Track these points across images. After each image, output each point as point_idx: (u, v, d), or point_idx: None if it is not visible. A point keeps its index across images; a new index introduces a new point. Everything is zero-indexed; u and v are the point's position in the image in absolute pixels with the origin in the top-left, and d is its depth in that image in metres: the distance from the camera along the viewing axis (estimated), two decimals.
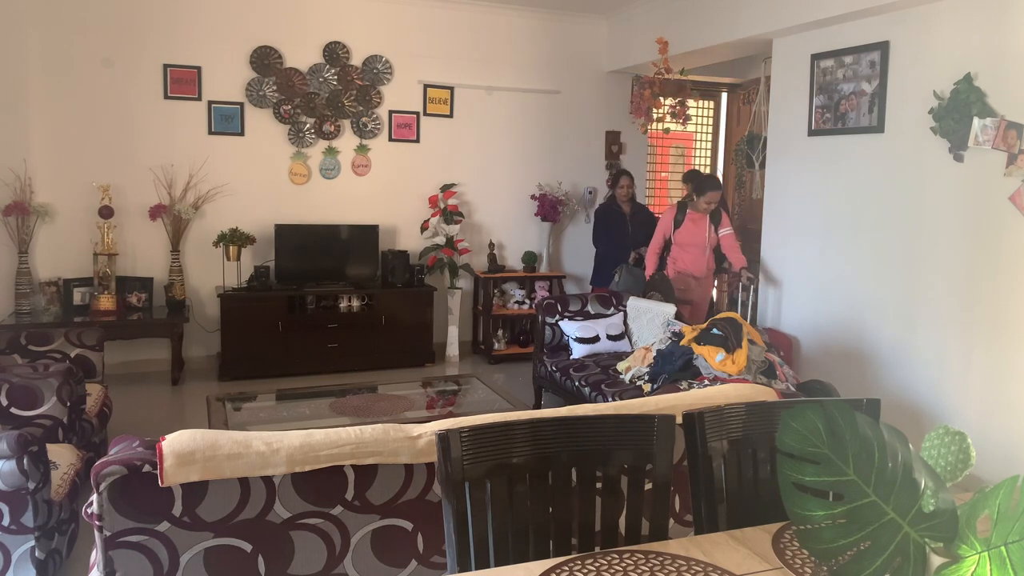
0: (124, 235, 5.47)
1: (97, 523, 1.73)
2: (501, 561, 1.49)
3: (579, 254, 6.82)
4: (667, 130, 5.79)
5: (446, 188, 6.21)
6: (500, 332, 6.31)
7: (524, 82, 6.46)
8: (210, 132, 5.64)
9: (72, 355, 3.86)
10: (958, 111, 3.87)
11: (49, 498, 2.52)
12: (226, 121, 5.67)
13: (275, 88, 5.74)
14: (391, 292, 5.86)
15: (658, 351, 4.14)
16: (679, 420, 1.67)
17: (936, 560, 1.07)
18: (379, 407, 3.90)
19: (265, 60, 5.70)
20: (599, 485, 1.61)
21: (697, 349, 3.88)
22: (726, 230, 5.18)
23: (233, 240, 5.49)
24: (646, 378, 4.07)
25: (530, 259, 6.46)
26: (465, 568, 1.47)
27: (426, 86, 6.17)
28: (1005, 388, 3.77)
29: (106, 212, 5.24)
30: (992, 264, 3.80)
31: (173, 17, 5.46)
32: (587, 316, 4.98)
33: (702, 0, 5.45)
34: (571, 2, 6.19)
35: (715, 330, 3.87)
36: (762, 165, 5.70)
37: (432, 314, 5.98)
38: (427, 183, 6.23)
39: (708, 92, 7.42)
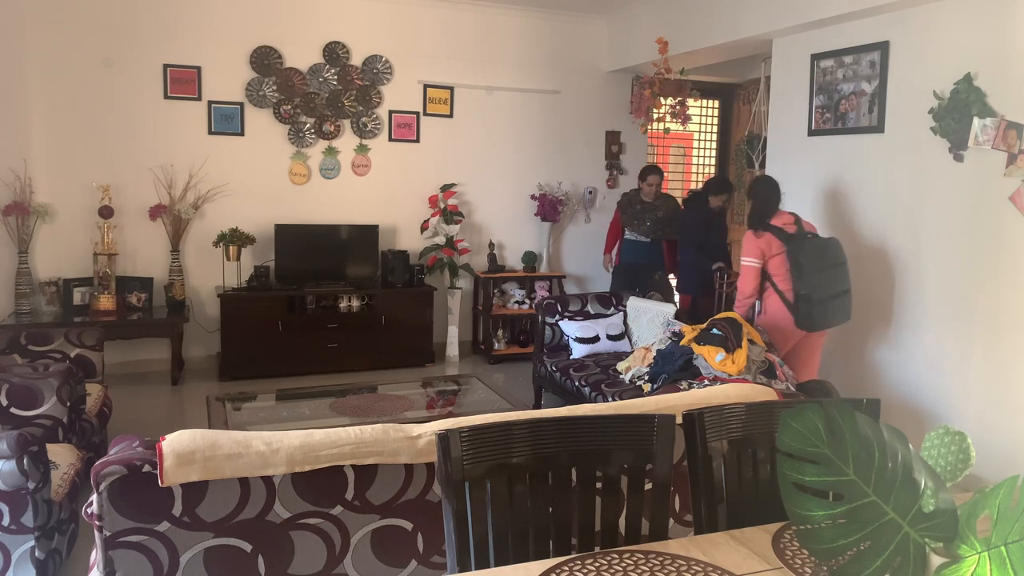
0: (124, 235, 5.47)
1: (97, 523, 1.73)
2: (501, 561, 1.49)
3: (579, 254, 6.82)
4: (667, 130, 5.79)
5: (446, 188, 6.21)
6: (500, 332, 6.31)
7: (524, 82, 6.46)
8: (210, 132, 5.64)
9: (72, 355, 3.86)
10: (958, 111, 3.87)
11: (49, 498, 2.52)
12: (226, 121, 5.67)
13: (275, 88, 5.74)
14: (391, 292, 5.86)
15: (658, 351, 4.14)
16: (679, 420, 1.67)
17: (936, 560, 1.07)
18: (379, 407, 3.90)
19: (265, 60, 5.70)
20: (599, 485, 1.61)
21: (697, 349, 3.88)
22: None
23: (233, 240, 5.49)
24: (646, 378, 4.07)
25: (530, 259, 6.46)
26: (465, 568, 1.47)
27: (426, 86, 6.17)
28: (1005, 388, 3.77)
29: (106, 212, 5.24)
30: (992, 264, 3.80)
31: (173, 17, 5.46)
32: (587, 316, 4.98)
33: (702, 0, 5.45)
34: (571, 2, 6.19)
35: (715, 330, 3.87)
36: (762, 165, 5.70)
37: (432, 314, 5.98)
38: (427, 183, 6.23)
39: (709, 92, 7.41)
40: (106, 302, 5.18)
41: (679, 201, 6.08)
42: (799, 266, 3.95)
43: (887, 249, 4.37)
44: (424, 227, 6.21)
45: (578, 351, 4.79)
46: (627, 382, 4.17)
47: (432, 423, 2.07)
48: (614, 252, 6.11)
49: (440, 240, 6.13)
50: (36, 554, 2.45)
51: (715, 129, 7.78)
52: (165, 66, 5.48)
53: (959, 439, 1.19)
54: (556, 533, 1.57)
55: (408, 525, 1.97)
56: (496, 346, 6.24)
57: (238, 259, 5.55)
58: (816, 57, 4.77)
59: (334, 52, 5.87)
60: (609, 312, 5.03)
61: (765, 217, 4.12)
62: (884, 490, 1.08)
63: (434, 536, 2.00)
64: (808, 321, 3.99)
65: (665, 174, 6.10)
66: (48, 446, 2.63)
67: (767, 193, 4.19)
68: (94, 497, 1.74)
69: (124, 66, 5.38)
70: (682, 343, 3.99)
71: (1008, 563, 0.99)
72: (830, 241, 4.13)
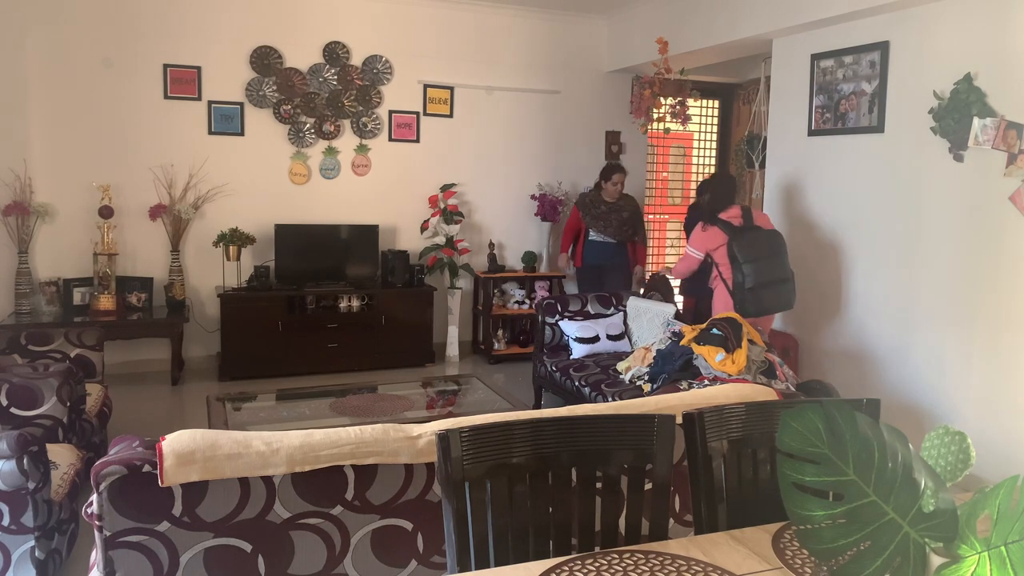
0: (124, 235, 5.47)
1: (97, 523, 1.73)
2: (501, 561, 1.49)
3: None
4: (667, 130, 5.78)
5: (446, 188, 6.21)
6: (500, 332, 6.31)
7: (524, 82, 6.46)
8: (210, 132, 5.64)
9: (72, 355, 3.86)
10: (958, 111, 3.87)
11: (49, 498, 2.52)
12: (226, 121, 5.67)
13: (275, 88, 5.74)
14: (391, 292, 5.86)
15: (658, 351, 4.14)
16: (679, 420, 1.67)
17: (936, 560, 1.07)
18: (379, 407, 3.90)
19: (265, 60, 5.70)
20: (599, 485, 1.61)
21: (697, 349, 3.88)
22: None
23: (233, 240, 5.49)
24: (646, 378, 4.07)
25: (530, 259, 6.46)
26: (465, 568, 1.47)
27: (426, 86, 6.17)
28: (1005, 388, 3.77)
29: (106, 212, 5.24)
30: (992, 264, 3.80)
31: (173, 17, 5.46)
32: (587, 316, 4.98)
33: (702, 0, 5.46)
34: (571, 2, 6.19)
35: (715, 330, 3.87)
36: (762, 165, 5.70)
37: (432, 314, 5.98)
38: (427, 183, 6.23)
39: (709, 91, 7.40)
40: (106, 302, 5.18)
41: (637, 202, 6.09)
42: (733, 256, 4.28)
43: (887, 249, 4.37)
44: (424, 227, 6.21)
45: (578, 351, 4.78)
46: (627, 382, 4.17)
47: (432, 423, 2.07)
48: (571, 252, 6.06)
49: (440, 240, 6.13)
50: (36, 554, 2.45)
51: (715, 129, 7.78)
52: (165, 66, 5.48)
53: (959, 439, 1.19)
54: (556, 533, 1.57)
55: (408, 525, 1.97)
56: (496, 346, 6.24)
57: (238, 259, 5.55)
58: (816, 57, 4.77)
59: (334, 52, 5.87)
60: (609, 312, 5.03)
61: (716, 212, 4.40)
62: (884, 490, 1.08)
63: (434, 536, 2.00)
64: (741, 306, 4.26)
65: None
66: (48, 446, 2.63)
67: (725, 190, 4.52)
68: (94, 497, 1.74)
69: (124, 66, 5.38)
70: (682, 343, 3.99)
71: (1008, 563, 0.99)
72: (770, 233, 4.39)
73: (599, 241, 5.86)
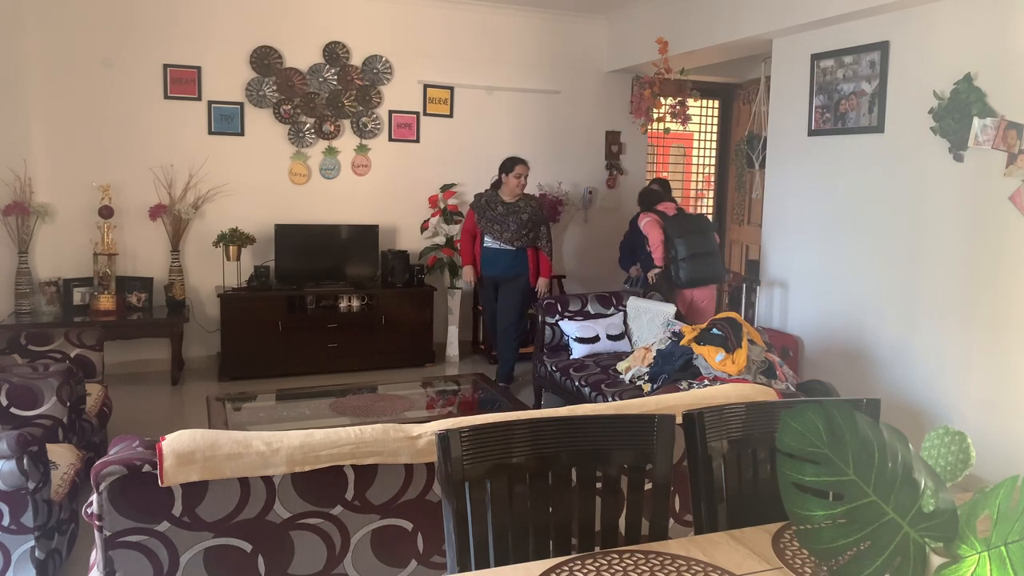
0: (124, 235, 5.47)
1: (97, 523, 1.73)
2: (501, 561, 1.49)
3: (579, 254, 6.82)
4: (667, 130, 5.78)
5: (446, 188, 6.21)
6: None
7: (524, 82, 6.46)
8: (210, 132, 5.64)
9: (72, 355, 3.86)
10: (958, 111, 3.87)
11: (49, 498, 2.52)
12: (226, 121, 5.67)
13: (275, 88, 5.74)
14: (391, 292, 5.86)
15: (658, 351, 4.14)
16: (679, 420, 1.67)
17: (936, 560, 1.07)
18: (379, 407, 3.90)
19: (265, 60, 5.70)
20: (599, 485, 1.61)
21: (697, 349, 3.88)
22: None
23: (233, 240, 5.48)
24: (646, 378, 4.07)
25: None
26: (465, 568, 1.47)
27: (426, 86, 6.17)
28: (1005, 388, 3.77)
29: (106, 212, 5.24)
30: (992, 264, 3.80)
31: (173, 17, 5.46)
32: (587, 316, 4.98)
33: (702, 0, 5.46)
34: (571, 2, 6.19)
35: (715, 330, 3.87)
36: (762, 165, 5.70)
37: (432, 314, 5.98)
38: (427, 183, 6.23)
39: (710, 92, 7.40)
40: (106, 302, 5.18)
41: (540, 203, 5.42)
42: (666, 233, 5.01)
43: (887, 249, 4.37)
44: (424, 227, 6.21)
45: (578, 351, 4.78)
46: (627, 382, 4.17)
47: (432, 423, 2.07)
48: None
49: (440, 240, 6.13)
50: (36, 554, 2.45)
51: (715, 129, 7.78)
52: (165, 66, 5.47)
53: (959, 439, 1.19)
54: (556, 533, 1.57)
55: (408, 525, 1.97)
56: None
57: (238, 259, 5.55)
58: (816, 57, 4.77)
59: (334, 52, 5.87)
60: (609, 312, 5.03)
61: (653, 204, 5.23)
62: (884, 490, 1.08)
63: (434, 536, 2.00)
64: (676, 276, 4.96)
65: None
66: (48, 446, 2.63)
67: (656, 189, 5.44)
68: (94, 497, 1.74)
69: (124, 66, 5.38)
70: (682, 343, 3.99)
71: (1008, 563, 0.99)
72: (698, 216, 5.41)
73: (495, 248, 5.15)
